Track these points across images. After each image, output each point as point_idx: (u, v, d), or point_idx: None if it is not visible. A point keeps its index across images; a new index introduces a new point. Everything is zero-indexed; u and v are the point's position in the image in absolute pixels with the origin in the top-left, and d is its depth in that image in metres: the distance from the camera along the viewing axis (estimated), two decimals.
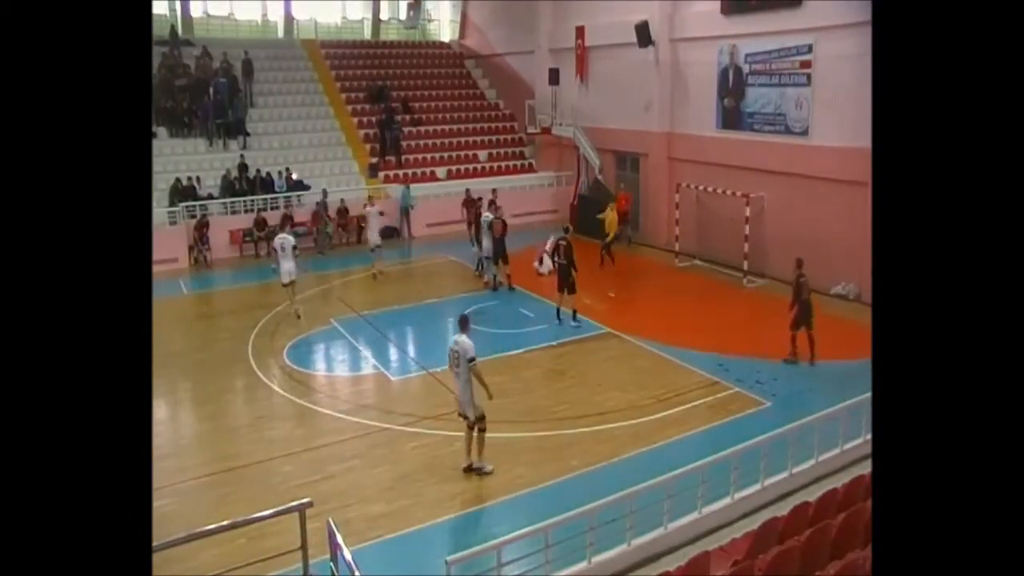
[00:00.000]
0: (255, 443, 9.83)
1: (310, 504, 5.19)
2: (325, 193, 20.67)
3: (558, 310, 14.30)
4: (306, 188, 21.42)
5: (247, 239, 20.04)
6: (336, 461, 9.23)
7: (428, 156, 24.32)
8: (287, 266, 14.17)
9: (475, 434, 8.76)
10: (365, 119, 24.52)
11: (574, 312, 14.15)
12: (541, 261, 17.47)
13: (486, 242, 16.47)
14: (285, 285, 14.36)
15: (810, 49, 16.03)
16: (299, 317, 14.39)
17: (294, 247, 14.22)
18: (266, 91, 24.21)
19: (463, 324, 8.85)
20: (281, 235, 14.58)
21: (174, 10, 26.94)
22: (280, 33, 29.65)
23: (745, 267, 16.91)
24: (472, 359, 8.55)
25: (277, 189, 21.06)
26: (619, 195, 21.25)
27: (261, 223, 20.08)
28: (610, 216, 18.56)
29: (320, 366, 12.90)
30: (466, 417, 8.78)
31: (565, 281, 14.13)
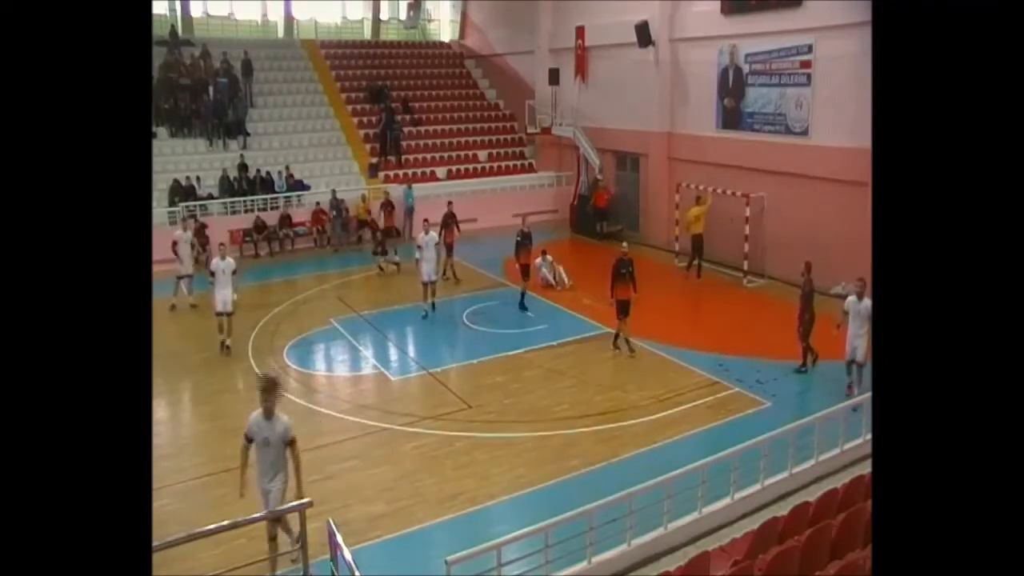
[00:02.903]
0: None
1: (310, 504, 5.19)
2: (334, 193, 20.71)
3: (616, 337, 12.81)
4: (306, 188, 21.43)
5: (247, 239, 20.05)
6: (336, 461, 9.22)
7: (428, 156, 24.31)
8: (223, 294, 12.67)
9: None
10: (365, 119, 24.52)
11: (617, 334, 12.81)
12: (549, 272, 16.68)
13: (427, 267, 14.40)
14: (218, 314, 12.77)
15: (810, 49, 16.03)
16: (227, 349, 12.82)
17: (233, 272, 12.80)
18: (266, 91, 24.19)
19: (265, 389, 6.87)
20: (216, 259, 12.87)
21: (174, 10, 26.92)
22: (280, 33, 29.64)
23: (745, 267, 16.91)
24: (292, 440, 6.83)
25: (277, 189, 21.07)
26: (599, 192, 21.39)
27: (260, 226, 20.12)
28: (695, 214, 17.13)
29: (320, 366, 12.89)
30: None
31: (624, 301, 12.60)
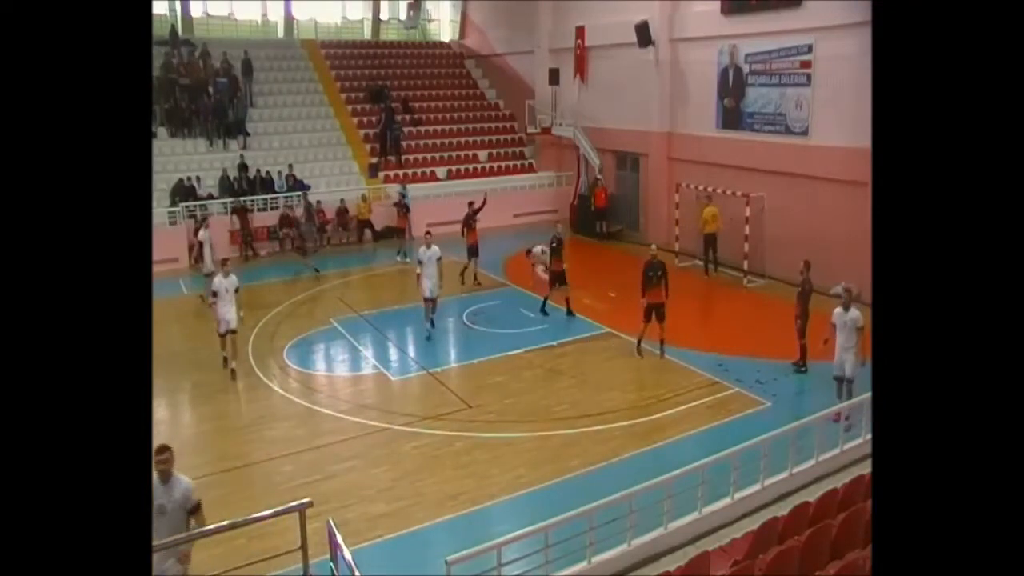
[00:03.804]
0: (255, 443, 9.83)
1: (310, 504, 5.17)
2: (305, 195, 20.62)
3: (639, 342, 12.54)
4: (306, 188, 21.43)
5: (247, 240, 20.05)
6: (336, 461, 9.23)
7: (428, 156, 24.31)
8: (226, 312, 11.78)
9: None
10: (365, 119, 24.52)
11: (661, 343, 12.46)
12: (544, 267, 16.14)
13: (428, 283, 13.40)
14: (222, 335, 11.95)
15: (810, 49, 16.03)
16: (232, 372, 11.97)
17: (236, 289, 11.89)
18: (266, 91, 24.19)
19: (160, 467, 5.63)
20: (219, 277, 12.00)
21: (174, 10, 26.93)
22: (280, 33, 29.64)
23: (745, 267, 16.91)
24: (196, 507, 5.74)
25: (277, 189, 21.06)
26: (597, 190, 21.45)
27: (240, 210, 19.87)
28: (709, 214, 17.39)
29: (320, 366, 12.89)
30: None
31: (656, 306, 12.25)
